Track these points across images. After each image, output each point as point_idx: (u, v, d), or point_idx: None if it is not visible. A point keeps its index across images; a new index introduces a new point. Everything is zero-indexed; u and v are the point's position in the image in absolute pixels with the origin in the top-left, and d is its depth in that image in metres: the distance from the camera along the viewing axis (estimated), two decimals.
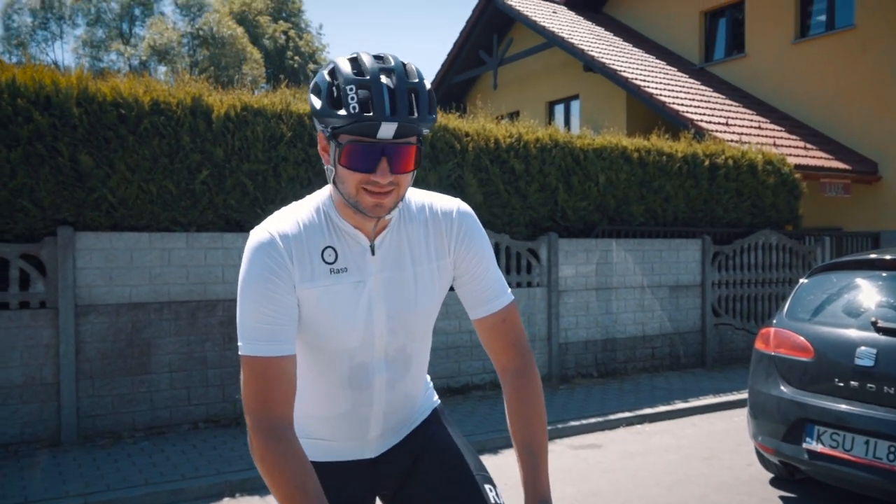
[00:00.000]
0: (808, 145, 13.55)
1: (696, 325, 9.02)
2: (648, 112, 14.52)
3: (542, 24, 15.79)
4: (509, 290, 1.68)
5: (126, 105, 5.63)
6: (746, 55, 15.91)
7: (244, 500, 4.64)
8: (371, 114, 1.35)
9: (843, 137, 14.21)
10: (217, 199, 6.02)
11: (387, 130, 1.37)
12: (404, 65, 1.44)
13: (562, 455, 5.55)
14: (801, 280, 4.88)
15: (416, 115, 1.39)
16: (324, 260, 1.52)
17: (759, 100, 15.56)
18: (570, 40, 15.16)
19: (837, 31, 14.32)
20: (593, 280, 8.20)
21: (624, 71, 14.42)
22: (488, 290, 1.63)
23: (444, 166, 7.08)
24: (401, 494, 1.73)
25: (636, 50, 16.58)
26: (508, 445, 5.83)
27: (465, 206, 1.67)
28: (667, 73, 15.59)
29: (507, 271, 7.53)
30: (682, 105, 13.58)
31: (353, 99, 1.36)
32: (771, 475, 5.01)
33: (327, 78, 1.42)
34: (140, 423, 5.76)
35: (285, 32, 37.66)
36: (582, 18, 18.05)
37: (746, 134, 13.01)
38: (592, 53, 14.75)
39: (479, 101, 16.60)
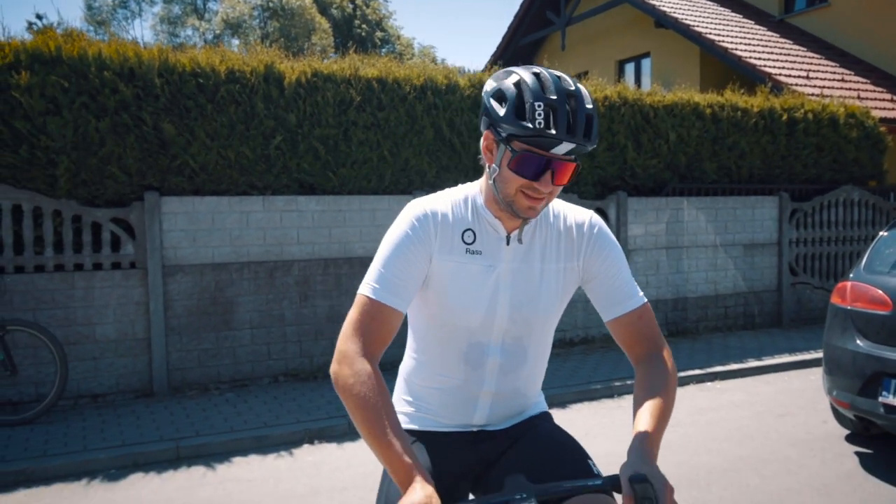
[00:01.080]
0: None
1: (773, 283, 8.81)
2: (723, 68, 14.02)
3: None
4: (641, 293, 1.74)
5: (204, 74, 5.87)
6: (829, 4, 15.12)
7: (322, 446, 4.88)
8: (554, 132, 1.46)
9: None
10: (291, 163, 6.23)
11: (562, 148, 1.49)
12: (583, 97, 1.52)
13: (630, 410, 5.59)
14: (881, 233, 4.73)
15: (589, 138, 1.50)
16: (463, 240, 1.66)
17: (844, 51, 14.81)
18: None
19: None
20: (663, 239, 8.10)
21: (697, 26, 13.95)
22: (620, 293, 1.70)
23: None
24: (496, 465, 1.76)
25: (710, 3, 16.01)
26: (577, 400, 5.91)
27: (598, 218, 1.75)
28: (743, 27, 15.00)
29: None
30: (760, 59, 13.06)
31: (539, 115, 1.46)
32: (847, 431, 4.93)
33: (513, 89, 1.51)
34: (224, 376, 6.10)
35: (352, 1, 37.87)
36: None
37: (829, 87, 12.45)
38: (664, 9, 14.31)
39: (545, 62, 16.34)
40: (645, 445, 1.47)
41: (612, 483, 1.43)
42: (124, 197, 5.77)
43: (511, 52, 18.99)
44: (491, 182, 1.60)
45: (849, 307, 4.44)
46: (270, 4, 33.45)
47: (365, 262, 6.54)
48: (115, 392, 5.76)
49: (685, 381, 6.43)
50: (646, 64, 16.94)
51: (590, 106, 1.51)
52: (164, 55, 5.82)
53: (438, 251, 1.63)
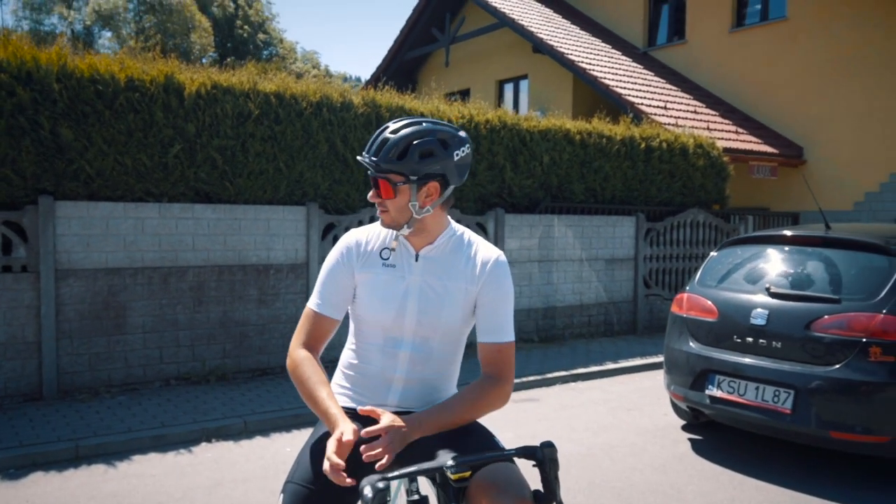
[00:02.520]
0: (740, 129, 14.46)
1: (629, 295, 9.82)
2: (593, 93, 15.20)
3: (494, 4, 16.29)
4: (513, 334, 2.19)
5: (103, 81, 5.98)
6: (686, 42, 16.73)
7: (220, 444, 5.16)
8: (364, 154, 2.07)
9: (772, 122, 15.18)
10: (188, 171, 6.43)
11: (370, 166, 2.05)
12: (417, 128, 2.05)
13: (503, 408, 6.21)
14: (712, 253, 5.62)
15: (378, 156, 2.04)
16: (381, 257, 2.20)
17: (697, 85, 16.42)
18: (520, 22, 15.71)
19: (771, 22, 15.22)
20: (536, 253, 8.88)
21: (570, 54, 15.06)
22: (495, 325, 2.15)
23: None
24: (416, 442, 2.07)
25: (583, 33, 17.23)
26: None
27: (503, 259, 2.22)
28: (611, 57, 16.29)
29: None
30: (624, 88, 14.30)
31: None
32: (683, 422, 5.77)
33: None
34: (116, 380, 6.20)
35: (234, 1, 37.19)
36: (532, 0, 18.61)
37: (683, 118, 13.83)
38: (541, 35, 15.34)
39: (432, 80, 17.07)
40: (427, 417, 2.02)
41: (524, 452, 1.86)
42: (17, 200, 5.78)
43: (396, 65, 19.55)
44: None
45: (684, 315, 5.27)
46: None
47: (259, 269, 6.84)
48: (2, 396, 5.74)
49: (552, 382, 7.16)
50: (524, 85, 17.99)
51: (388, 135, 2.04)
52: (63, 60, 5.89)
53: (359, 268, 2.18)
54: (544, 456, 1.82)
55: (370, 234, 2.23)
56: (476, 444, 2.06)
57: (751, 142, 14.08)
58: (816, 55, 14.39)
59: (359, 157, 2.10)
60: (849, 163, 14.02)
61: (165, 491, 4.25)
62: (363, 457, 1.83)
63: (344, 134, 7.25)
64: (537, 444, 1.86)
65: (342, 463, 1.81)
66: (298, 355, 2.11)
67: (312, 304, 2.18)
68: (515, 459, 1.94)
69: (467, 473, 1.78)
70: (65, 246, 5.94)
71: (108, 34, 34.45)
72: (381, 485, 1.64)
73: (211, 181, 6.57)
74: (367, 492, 1.63)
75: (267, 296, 6.90)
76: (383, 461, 1.81)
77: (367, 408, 1.96)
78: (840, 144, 14.15)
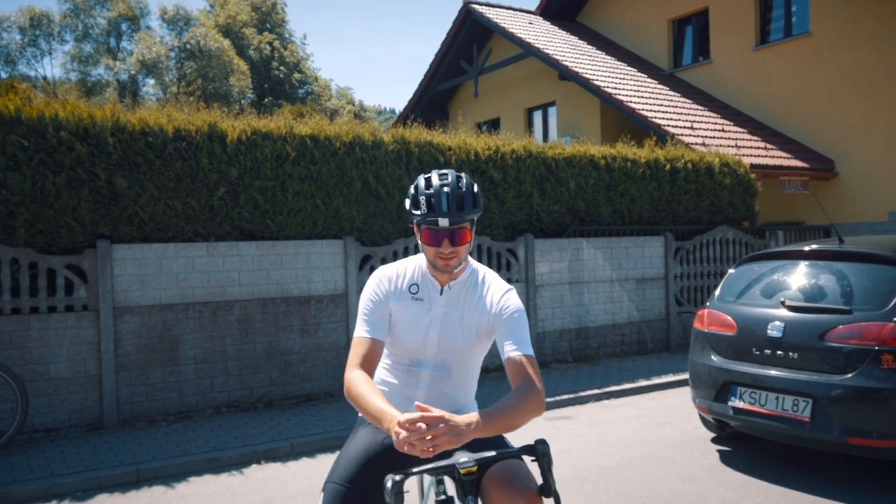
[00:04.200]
0: (769, 145, 14.55)
1: (661, 313, 9.98)
2: (620, 116, 15.46)
3: (519, 35, 16.73)
4: (531, 349, 2.44)
5: (152, 133, 6.49)
6: (712, 61, 16.91)
7: (269, 465, 5.51)
8: (434, 213, 2.30)
9: (801, 137, 15.23)
10: (233, 212, 6.89)
11: (444, 222, 2.31)
12: (459, 178, 2.36)
13: (536, 425, 6.44)
14: (730, 270, 5.82)
15: (463, 210, 2.33)
16: (409, 291, 2.50)
17: (724, 103, 16.56)
18: (545, 51, 16.09)
19: (794, 38, 15.34)
20: (567, 275, 9.13)
21: (596, 79, 15.37)
22: (513, 343, 2.40)
23: None
24: None
25: (608, 58, 17.54)
26: None
27: (513, 292, 2.51)
28: (637, 80, 16.55)
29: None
30: (651, 111, 14.53)
31: (423, 204, 2.34)
32: (712, 434, 5.94)
33: (412, 190, 2.39)
34: (171, 409, 6.62)
35: (270, 43, 38.44)
36: (557, 28, 19.01)
37: (710, 137, 13.99)
38: (567, 63, 15.69)
39: (459, 112, 17.54)
40: (485, 421, 2.11)
41: (525, 450, 2.15)
42: (78, 245, 6.28)
43: (427, 98, 20.08)
44: (423, 251, 2.46)
45: (706, 330, 5.48)
46: (188, 46, 33.60)
47: (301, 300, 7.23)
48: (67, 426, 6.20)
49: (585, 400, 7.37)
50: (552, 111, 18.34)
51: (463, 187, 2.34)
52: (116, 115, 6.42)
53: (393, 300, 2.49)
54: (539, 452, 2.10)
55: (398, 271, 2.54)
56: (486, 443, 2.34)
57: (780, 157, 14.15)
58: (842, 68, 14.45)
59: (441, 222, 2.29)
60: (881, 174, 13.99)
61: None
62: (421, 435, 1.95)
63: (376, 170, 7.65)
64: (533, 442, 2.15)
65: (414, 415, 1.98)
66: (352, 375, 2.32)
67: (360, 331, 2.42)
68: (523, 457, 2.22)
69: (474, 468, 2.07)
70: (122, 285, 6.41)
71: (152, 81, 35.88)
72: (398, 477, 1.95)
73: (254, 220, 7.02)
74: (388, 483, 1.95)
75: (309, 325, 7.28)
76: (431, 448, 1.97)
77: (422, 405, 2.10)
78: (871, 156, 14.13)
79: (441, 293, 2.49)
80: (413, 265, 2.55)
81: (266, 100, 36.90)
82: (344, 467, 2.38)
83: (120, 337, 6.41)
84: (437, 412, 2.02)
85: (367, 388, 2.25)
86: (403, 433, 1.96)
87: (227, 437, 5.96)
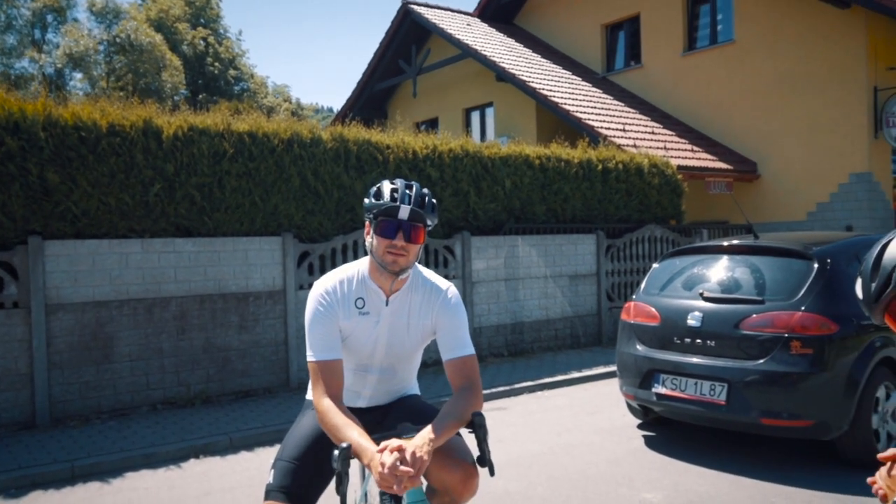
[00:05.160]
0: (696, 148, 15.16)
1: (593, 308, 10.33)
2: (556, 118, 15.84)
3: (457, 36, 16.95)
4: (472, 347, 2.55)
5: (86, 128, 6.41)
6: (643, 66, 17.49)
7: (208, 460, 5.53)
8: (396, 202, 2.34)
9: (726, 140, 15.91)
10: (169, 208, 6.85)
11: (403, 212, 2.34)
12: (422, 188, 2.43)
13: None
14: (654, 265, 6.14)
15: (423, 209, 2.38)
16: (356, 306, 2.49)
17: (654, 106, 17.15)
18: (483, 52, 16.36)
19: (720, 45, 16.02)
20: (502, 272, 9.37)
21: (532, 81, 15.71)
22: (455, 344, 2.52)
23: (368, 175, 8.09)
24: (381, 423, 2.64)
25: (544, 60, 17.94)
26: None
27: (453, 290, 2.60)
28: (572, 83, 16.99)
29: (425, 266, 8.59)
30: (585, 113, 14.95)
31: (386, 194, 2.37)
32: (638, 421, 6.24)
33: (374, 188, 2.42)
34: (105, 406, 6.55)
35: (204, 39, 37.69)
36: (494, 30, 19.32)
37: (641, 139, 14.50)
38: (504, 65, 15.99)
39: (398, 112, 17.65)
40: (436, 431, 2.24)
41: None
42: (8, 241, 6.15)
43: (366, 97, 20.11)
44: (370, 253, 2.46)
45: (632, 321, 5.76)
46: (118, 40, 32.67)
47: (238, 297, 7.24)
48: None
49: (520, 392, 7.61)
50: (490, 112, 18.63)
51: (425, 191, 2.45)
52: (48, 109, 6.31)
53: (342, 317, 2.49)
54: (476, 424, 2.27)
55: (338, 283, 2.49)
56: (427, 419, 2.50)
57: (706, 159, 14.77)
58: (764, 74, 15.17)
59: (401, 213, 2.33)
60: (800, 175, 14.76)
61: (158, 501, 4.61)
62: (405, 479, 2.05)
63: (315, 168, 7.71)
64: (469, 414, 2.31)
65: (411, 470, 2.06)
66: (322, 406, 2.31)
67: (314, 357, 2.39)
68: (460, 430, 2.38)
69: (412, 437, 2.22)
70: (54, 282, 6.31)
71: (79, 75, 34.77)
72: (345, 445, 2.09)
73: (190, 216, 6.99)
74: (335, 451, 2.09)
75: (247, 322, 7.30)
76: (414, 476, 2.06)
77: (386, 442, 2.15)
78: (791, 158, 14.89)
79: (387, 304, 2.50)
80: (354, 275, 2.51)
81: (200, 96, 36.18)
82: (293, 446, 2.49)
83: (52, 334, 6.30)
84: (404, 445, 2.09)
85: (341, 420, 2.25)
86: (387, 472, 2.03)
87: (164, 433, 5.94)
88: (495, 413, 6.80)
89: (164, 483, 4.99)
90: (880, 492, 1.61)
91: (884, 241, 1.55)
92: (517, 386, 7.63)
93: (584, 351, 9.81)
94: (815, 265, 5.04)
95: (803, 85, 14.61)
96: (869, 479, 1.67)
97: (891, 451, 1.68)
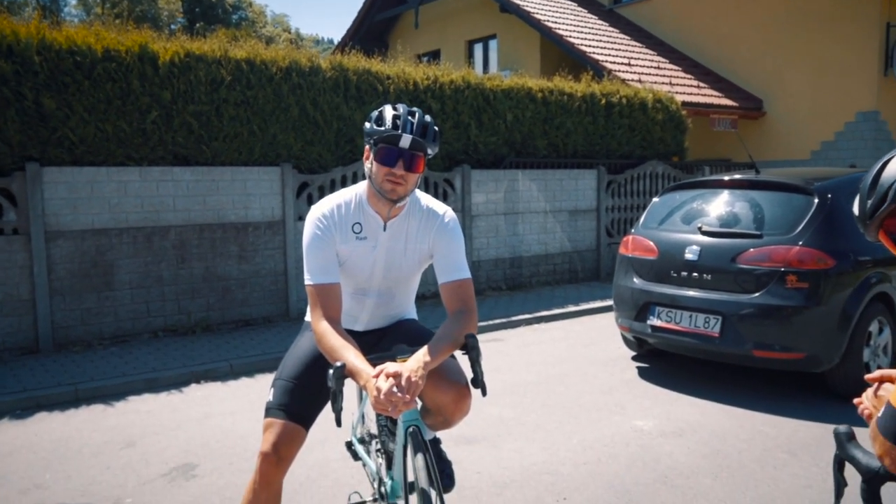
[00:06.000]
0: (702, 84, 14.92)
1: (592, 244, 10.35)
2: (560, 51, 15.55)
3: None
4: (468, 271, 2.54)
5: (81, 53, 6.29)
6: None
7: (208, 384, 5.64)
8: (398, 130, 2.31)
9: (732, 76, 15.65)
10: (166, 136, 6.79)
11: (405, 141, 2.31)
12: (424, 115, 2.39)
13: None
14: (654, 199, 6.11)
15: (425, 138, 2.35)
16: (353, 231, 2.47)
17: (661, 41, 16.81)
18: None
19: None
20: (502, 206, 9.35)
21: (537, 12, 15.36)
22: (451, 267, 2.51)
23: (368, 106, 7.98)
24: (378, 344, 2.68)
25: None
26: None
27: (450, 213, 2.59)
28: (577, 15, 16.61)
29: None
30: (590, 46, 14.67)
31: (388, 121, 2.33)
32: (633, 353, 6.33)
33: (376, 113, 2.37)
34: (107, 333, 6.63)
35: None
36: None
37: (646, 73, 14.26)
38: None
39: (399, 43, 17.30)
40: (432, 353, 2.27)
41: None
42: (5, 167, 6.12)
43: (366, 28, 19.70)
44: (369, 179, 2.44)
45: (630, 255, 5.78)
46: None
47: (238, 227, 7.25)
48: (2, 349, 6.15)
49: (517, 324, 7.69)
50: (493, 45, 18.27)
51: (428, 119, 2.41)
52: (42, 33, 6.18)
53: (339, 241, 2.47)
54: (469, 345, 2.29)
55: (335, 208, 2.47)
56: (422, 342, 2.53)
57: (712, 95, 14.56)
58: (773, 8, 14.80)
59: (402, 141, 2.27)
60: (806, 114, 14.57)
61: (160, 423, 4.73)
62: (400, 404, 2.06)
63: (314, 97, 7.60)
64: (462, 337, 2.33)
65: (406, 396, 2.07)
66: (320, 329, 2.32)
67: (311, 280, 2.38)
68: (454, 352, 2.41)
69: (406, 359, 2.24)
70: (53, 209, 6.30)
71: (74, 2, 33.97)
72: (339, 364, 2.13)
73: (188, 145, 6.93)
74: (330, 371, 2.12)
75: (247, 252, 7.32)
76: (409, 401, 2.09)
77: (382, 366, 2.18)
78: (797, 96, 14.67)
79: (384, 229, 2.49)
80: (351, 200, 2.49)
81: (198, 25, 35.43)
82: (292, 366, 2.53)
83: (53, 261, 6.33)
84: (399, 370, 2.10)
85: (337, 342, 2.26)
86: (383, 398, 2.05)
87: (166, 360, 6.04)
88: (492, 344, 6.90)
89: (167, 406, 5.10)
90: (866, 412, 1.64)
91: (885, 158, 1.54)
92: (514, 318, 7.71)
93: (582, 285, 9.88)
94: (816, 200, 5.03)
95: (813, 20, 14.27)
96: (855, 400, 1.70)
97: (878, 373, 1.71)
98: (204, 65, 6.92)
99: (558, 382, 5.54)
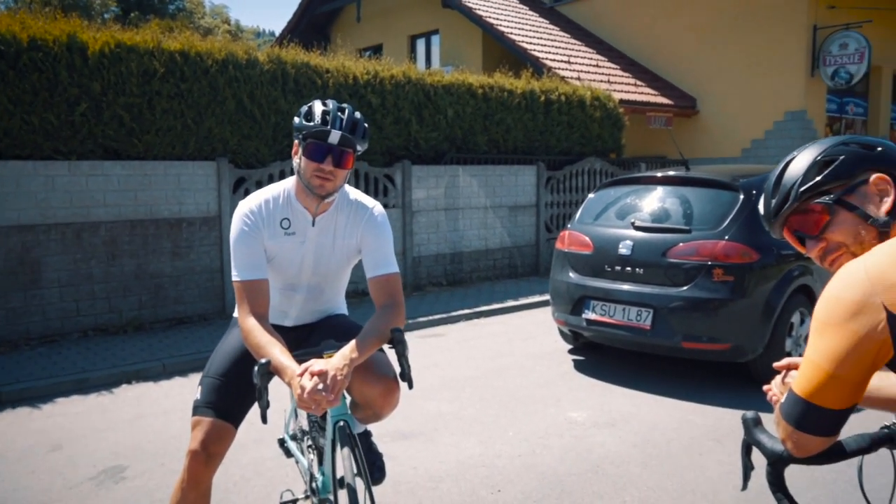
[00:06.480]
0: (639, 82, 15.24)
1: (532, 239, 10.49)
2: (502, 48, 15.65)
3: None
4: (396, 266, 2.54)
5: (4, 41, 6.05)
6: None
7: (140, 385, 5.51)
8: (328, 126, 2.30)
9: (668, 75, 16.02)
10: (96, 129, 6.59)
11: (334, 137, 2.31)
12: (354, 111, 2.38)
13: (409, 342, 6.71)
14: (589, 195, 6.24)
15: (355, 134, 2.34)
16: (281, 226, 2.45)
17: (600, 39, 17.09)
18: None
19: None
20: (443, 202, 9.38)
21: (478, 9, 15.43)
22: (380, 261, 2.51)
23: (306, 100, 7.89)
24: (307, 340, 2.68)
25: None
26: None
27: (379, 208, 2.58)
28: (519, 12, 16.74)
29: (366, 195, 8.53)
30: (530, 43, 14.81)
31: (317, 116, 2.32)
32: (569, 346, 6.45)
33: (305, 108, 2.36)
34: (34, 333, 6.41)
35: None
36: None
37: (585, 71, 14.48)
38: None
39: (340, 37, 17.13)
40: (358, 348, 2.29)
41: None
42: None
43: (308, 21, 19.46)
44: (297, 174, 2.42)
45: (566, 250, 5.89)
46: None
47: (171, 222, 7.09)
48: None
49: (457, 319, 7.74)
50: (435, 40, 18.27)
51: (358, 115, 2.40)
52: None
53: (267, 237, 2.45)
54: (395, 339, 2.30)
55: (263, 203, 2.45)
56: (351, 337, 2.53)
57: (648, 94, 14.88)
58: (708, 11, 15.22)
59: (331, 137, 2.27)
60: (737, 113, 15.03)
61: (90, 425, 4.60)
62: (324, 403, 2.07)
63: (251, 91, 7.49)
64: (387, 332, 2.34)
65: (330, 395, 2.08)
66: (247, 325, 2.30)
67: (238, 276, 2.37)
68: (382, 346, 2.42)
69: (333, 354, 2.24)
70: None
71: None
72: (263, 361, 2.12)
73: (119, 138, 6.74)
74: (255, 367, 2.11)
75: (181, 248, 7.17)
76: (333, 399, 2.10)
77: (306, 365, 2.17)
78: (729, 95, 15.12)
79: (313, 224, 2.48)
80: (280, 195, 2.47)
81: (132, 14, 34.36)
82: (219, 363, 2.50)
83: None
84: (324, 368, 2.10)
85: (263, 338, 2.25)
86: (306, 397, 2.05)
87: (96, 360, 5.87)
88: (432, 339, 6.93)
89: (96, 408, 4.96)
90: (774, 398, 1.71)
91: (787, 158, 1.61)
92: (454, 314, 7.76)
93: (522, 280, 10.00)
94: (741, 196, 5.21)
95: (745, 22, 14.73)
96: (765, 387, 1.77)
97: (786, 361, 1.79)
98: (136, 56, 6.73)
99: (496, 376, 5.60)
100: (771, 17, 14.36)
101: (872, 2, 14.05)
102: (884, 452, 1.48)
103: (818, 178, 1.52)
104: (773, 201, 1.61)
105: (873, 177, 1.49)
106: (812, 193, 1.53)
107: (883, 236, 1.45)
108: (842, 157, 1.51)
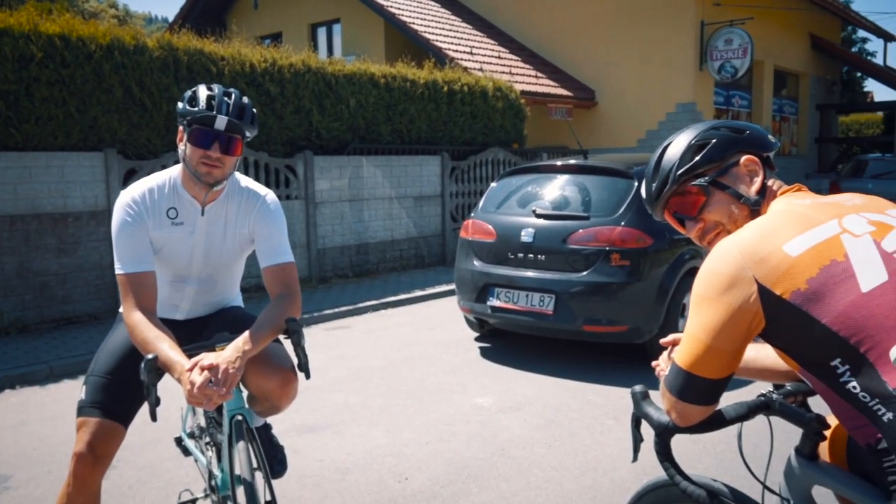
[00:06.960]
0: (539, 74, 15.55)
1: (438, 229, 10.53)
2: (405, 38, 15.60)
3: None
4: (290, 255, 2.46)
5: None
6: None
7: (25, 389, 5.17)
8: (213, 111, 2.20)
9: (568, 68, 16.43)
10: None
11: (220, 123, 2.20)
12: (241, 96, 2.28)
13: (315, 335, 6.64)
14: (492, 184, 6.31)
15: (242, 120, 2.25)
16: (168, 216, 2.35)
17: (502, 31, 17.33)
18: None
19: None
20: (347, 193, 9.27)
21: None
22: (274, 250, 2.43)
23: None
24: (200, 333, 2.57)
25: None
26: None
27: (271, 196, 2.49)
28: (421, 3, 16.73)
29: (265, 186, 8.32)
30: (433, 34, 14.84)
31: (203, 102, 2.21)
32: (475, 334, 6.51)
33: (189, 92, 2.24)
34: None
35: None
36: None
37: (487, 63, 14.64)
38: None
39: (237, 24, 16.63)
40: (253, 339, 2.21)
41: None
42: None
43: (202, 6, 18.80)
44: (183, 161, 2.31)
45: (469, 238, 5.93)
46: None
47: (56, 217, 6.68)
48: None
49: (364, 311, 7.68)
50: (336, 29, 18.02)
51: (246, 100, 2.32)
52: None
53: (152, 228, 2.34)
54: (291, 329, 2.24)
55: (147, 192, 2.34)
56: (246, 328, 2.45)
57: (549, 85, 15.21)
58: (604, 5, 15.69)
59: (217, 123, 2.19)
60: (633, 104, 15.59)
61: None
62: (215, 397, 2.01)
63: (140, 78, 7.14)
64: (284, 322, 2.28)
65: (221, 390, 2.01)
66: (132, 320, 2.20)
67: (122, 269, 2.26)
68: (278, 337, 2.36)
69: (225, 347, 2.16)
70: None
71: None
72: (150, 356, 2.02)
73: None
74: (142, 363, 2.00)
75: (67, 244, 6.77)
76: (225, 393, 2.02)
77: (196, 359, 2.09)
78: (625, 88, 15.67)
79: (202, 213, 2.38)
80: (165, 183, 2.36)
81: None
82: (105, 361, 2.37)
83: None
84: (214, 362, 2.03)
85: (151, 333, 2.16)
86: (196, 392, 1.97)
87: None
88: (338, 331, 6.84)
89: None
90: (661, 373, 1.77)
91: (664, 143, 1.66)
92: (361, 305, 7.69)
93: (428, 271, 10.03)
94: (635, 183, 5.39)
95: (639, 17, 15.28)
96: (654, 363, 1.83)
97: (671, 337, 1.85)
98: (10, 39, 6.28)
99: (403, 366, 5.59)
100: (662, 12, 14.95)
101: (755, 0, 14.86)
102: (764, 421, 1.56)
103: (693, 161, 1.58)
104: (654, 185, 1.66)
105: (743, 158, 1.57)
106: (689, 176, 1.59)
107: (754, 214, 1.52)
108: (714, 141, 1.58)
